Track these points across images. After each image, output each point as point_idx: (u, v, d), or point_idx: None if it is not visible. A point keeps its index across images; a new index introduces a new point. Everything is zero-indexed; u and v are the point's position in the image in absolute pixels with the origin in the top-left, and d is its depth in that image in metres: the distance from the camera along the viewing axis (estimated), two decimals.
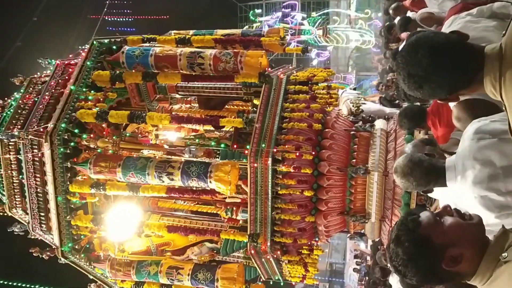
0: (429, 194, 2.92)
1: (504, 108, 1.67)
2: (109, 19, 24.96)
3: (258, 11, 22.68)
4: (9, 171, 6.35)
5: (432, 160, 2.69)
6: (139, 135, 7.19)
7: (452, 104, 3.18)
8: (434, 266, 1.73)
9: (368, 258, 14.05)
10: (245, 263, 6.54)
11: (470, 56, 1.71)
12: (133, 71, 6.07)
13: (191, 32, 7.01)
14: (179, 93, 7.02)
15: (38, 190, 6.04)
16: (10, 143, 6.18)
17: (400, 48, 6.73)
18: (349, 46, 22.84)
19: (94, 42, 6.46)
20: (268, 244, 5.67)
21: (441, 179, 2.60)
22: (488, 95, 1.72)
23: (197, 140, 6.57)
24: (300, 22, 21.63)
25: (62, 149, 5.69)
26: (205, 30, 7.04)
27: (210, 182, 5.45)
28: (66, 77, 6.41)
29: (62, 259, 6.15)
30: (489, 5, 3.68)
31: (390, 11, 8.24)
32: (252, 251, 5.78)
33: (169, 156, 6.20)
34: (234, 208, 6.14)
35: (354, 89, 10.04)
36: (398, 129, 6.15)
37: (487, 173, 2.31)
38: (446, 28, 3.64)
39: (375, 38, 20.70)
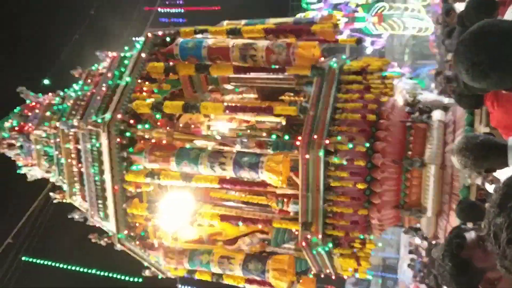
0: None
1: None
2: (162, 10, 25.49)
3: None
4: (69, 160, 6.64)
5: (490, 137, 2.57)
6: (192, 126, 7.28)
7: None
8: (472, 285, 1.93)
9: (423, 253, 13.64)
10: (296, 255, 6.50)
11: None
12: (186, 62, 6.14)
13: (243, 22, 6.98)
14: (231, 83, 7.04)
15: (96, 178, 6.27)
16: (70, 133, 6.45)
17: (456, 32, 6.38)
18: (405, 34, 22.05)
19: (149, 34, 6.58)
20: (320, 236, 5.60)
21: (502, 158, 2.47)
22: None
23: (248, 131, 6.58)
24: (354, 9, 21.12)
25: (118, 139, 5.86)
26: (258, 19, 6.99)
27: (262, 172, 5.44)
28: (122, 69, 6.58)
29: (119, 245, 6.37)
30: None
31: None
32: (304, 243, 5.73)
33: (221, 147, 6.25)
34: (285, 200, 6.10)
35: (411, 78, 9.68)
36: (458, 120, 5.87)
37: None
38: (508, 15, 3.39)
39: (433, 25, 19.84)
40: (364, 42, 19.97)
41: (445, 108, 6.69)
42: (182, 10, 26.35)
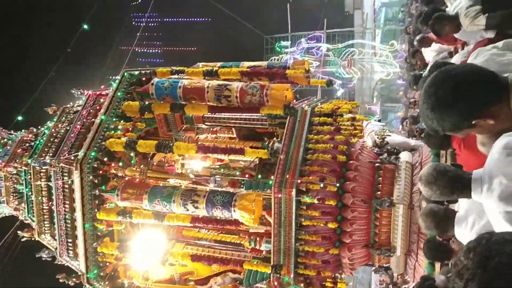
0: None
1: None
2: (139, 50, 25.79)
3: (284, 43, 23.06)
4: (39, 197, 6.55)
5: (457, 170, 2.69)
6: (166, 164, 7.33)
7: None
8: None
9: None
10: None
11: (494, 84, 1.74)
12: (162, 102, 6.25)
13: (219, 64, 7.20)
14: (205, 123, 7.17)
15: (67, 216, 6.19)
16: (41, 170, 6.39)
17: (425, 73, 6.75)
18: (374, 78, 22.90)
19: (125, 73, 6.69)
20: (292, 275, 5.63)
21: (466, 190, 2.58)
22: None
23: (222, 170, 6.66)
24: (325, 53, 21.89)
25: (91, 177, 5.84)
26: (232, 62, 7.22)
27: (234, 211, 5.49)
28: (97, 107, 6.64)
29: (88, 285, 6.22)
30: None
31: (415, 43, 8.30)
32: (275, 283, 5.74)
33: (195, 186, 6.29)
34: (258, 239, 6.14)
35: (379, 120, 10.03)
36: (424, 161, 6.11)
37: None
38: (471, 60, 3.66)
39: (400, 70, 20.71)
40: (335, 84, 20.58)
41: (412, 149, 6.96)
42: (160, 50, 26.71)
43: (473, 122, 1.78)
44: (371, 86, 24.02)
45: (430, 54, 7.79)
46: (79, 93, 7.19)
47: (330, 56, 21.83)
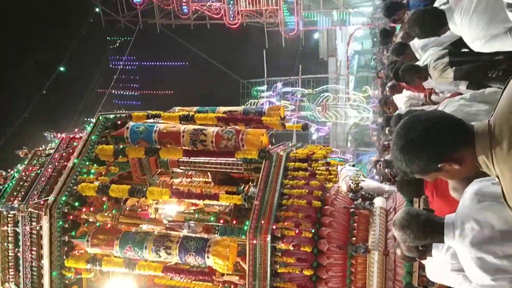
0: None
1: (497, 180, 1.74)
2: (116, 92, 25.79)
3: (260, 87, 23.46)
4: (5, 244, 6.28)
5: (429, 214, 2.72)
6: (139, 209, 7.18)
7: None
8: None
9: None
10: None
11: (461, 131, 1.81)
12: (137, 146, 6.21)
13: (195, 108, 7.25)
14: (180, 167, 7.12)
15: (33, 264, 5.94)
16: (9, 215, 6.17)
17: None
18: (347, 122, 23.37)
19: (100, 117, 6.66)
20: None
21: (439, 235, 2.61)
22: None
23: (196, 215, 6.56)
24: (300, 98, 22.34)
25: (61, 223, 5.67)
26: (208, 107, 7.28)
27: (208, 257, 5.38)
28: (70, 151, 6.54)
29: None
30: (481, 90, 3.85)
31: (387, 89, 8.55)
32: None
33: (168, 231, 6.17)
34: (232, 286, 6.00)
35: (353, 165, 10.15)
36: (398, 207, 6.16)
37: (485, 236, 2.32)
38: (399, 100, 3.79)
39: (373, 115, 21.22)
40: (310, 128, 20.90)
41: (386, 195, 7.02)
42: (137, 93, 26.78)
43: (439, 166, 1.82)
44: (345, 130, 24.46)
45: (401, 100, 8.01)
46: (52, 136, 7.09)
47: (305, 101, 22.27)
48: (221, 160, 6.60)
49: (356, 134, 25.61)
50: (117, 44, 26.35)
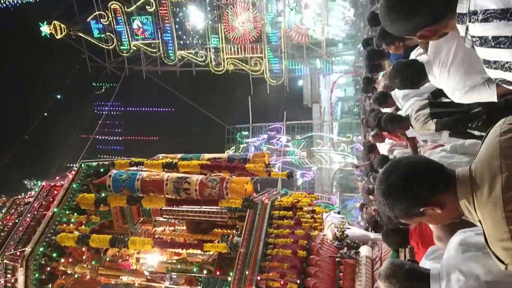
0: None
1: (480, 225, 1.74)
2: (100, 138, 25.67)
3: (245, 133, 23.60)
4: None
5: (414, 265, 2.68)
6: (120, 259, 6.98)
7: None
8: None
9: None
10: None
11: (441, 175, 1.83)
12: (119, 194, 6.10)
13: (179, 156, 7.21)
14: (163, 216, 6.99)
15: None
16: None
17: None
18: (332, 168, 23.49)
19: (82, 164, 6.57)
20: None
21: (425, 285, 2.56)
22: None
23: (179, 266, 6.38)
24: (285, 144, 22.49)
25: (37, 275, 5.46)
26: (193, 154, 7.25)
27: None
28: (50, 199, 6.40)
29: None
30: (461, 142, 3.89)
31: (370, 138, 8.65)
32: None
33: (149, 283, 5.97)
34: None
35: (338, 212, 10.09)
36: (384, 256, 6.08)
37: (471, 286, 2.28)
38: (382, 148, 3.81)
39: (357, 161, 21.38)
40: (295, 176, 20.93)
41: (372, 244, 6.94)
42: (121, 138, 26.69)
43: (421, 210, 1.82)
44: (330, 176, 24.53)
45: (384, 147, 8.10)
46: (32, 184, 6.95)
47: (290, 146, 22.42)
48: (204, 208, 6.50)
49: (341, 179, 25.67)
50: (103, 90, 26.50)
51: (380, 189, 1.88)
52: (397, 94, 5.33)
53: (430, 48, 3.06)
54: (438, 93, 4.40)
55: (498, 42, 1.56)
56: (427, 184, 1.81)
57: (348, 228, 7.65)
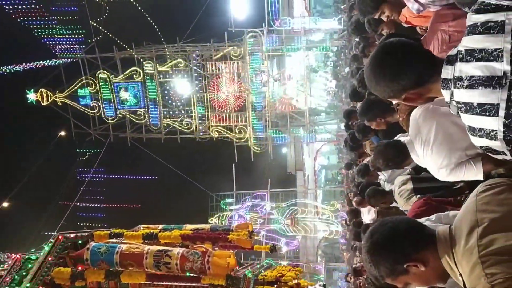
0: None
1: (461, 279, 1.74)
2: (81, 205, 25.15)
3: (229, 200, 23.41)
4: None
5: None
6: None
7: None
8: None
9: None
10: None
11: (422, 232, 1.87)
12: (96, 268, 5.88)
13: (160, 226, 7.08)
14: None
15: None
16: None
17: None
18: (317, 236, 23.18)
19: (59, 236, 6.37)
20: None
21: None
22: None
23: None
24: (269, 211, 22.28)
25: None
26: (175, 225, 7.12)
27: None
28: (24, 273, 6.11)
29: None
30: (446, 212, 3.87)
31: (354, 203, 8.63)
32: None
33: None
34: None
35: (324, 285, 9.84)
36: None
37: None
38: (366, 216, 3.78)
39: (342, 229, 21.17)
40: (279, 248, 20.63)
41: None
42: (103, 206, 26.19)
43: (405, 267, 1.82)
44: (314, 244, 24.14)
45: (368, 217, 8.06)
46: (5, 256, 6.66)
47: (274, 214, 22.20)
48: (185, 283, 6.27)
49: (326, 248, 25.27)
50: (86, 157, 26.34)
51: (365, 247, 1.90)
52: None
53: (411, 129, 3.13)
54: (419, 168, 4.48)
55: (483, 109, 1.55)
56: (409, 240, 1.83)
57: None
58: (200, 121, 23.21)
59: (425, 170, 4.19)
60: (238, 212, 22.75)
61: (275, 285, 6.14)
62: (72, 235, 6.47)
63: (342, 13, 20.27)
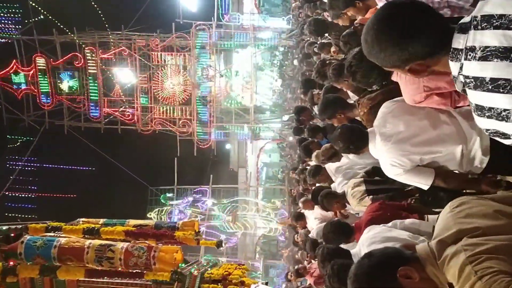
0: None
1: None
2: (11, 194, 23.70)
3: (169, 195, 22.98)
4: None
5: None
6: None
7: None
8: None
9: None
10: None
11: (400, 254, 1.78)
12: (31, 263, 5.50)
13: (101, 221, 6.78)
14: (80, 287, 6.36)
15: None
16: None
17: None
18: (256, 233, 23.32)
19: None
20: None
21: None
22: None
23: None
24: (210, 207, 22.12)
25: None
26: (117, 219, 6.85)
27: None
28: None
29: None
30: (401, 220, 3.93)
31: (300, 204, 8.70)
32: None
33: None
34: None
35: (266, 283, 9.87)
36: None
37: None
38: (364, 234, 3.77)
39: (281, 227, 21.43)
40: (226, 244, 20.58)
41: None
42: (35, 196, 24.82)
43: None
44: (253, 241, 24.27)
45: (313, 222, 8.15)
46: None
47: (215, 210, 22.07)
48: (127, 280, 6.03)
49: (264, 245, 25.47)
50: (18, 144, 24.83)
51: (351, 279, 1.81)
52: (331, 167, 5.44)
53: (378, 120, 3.14)
54: (372, 173, 4.56)
55: (496, 85, 1.34)
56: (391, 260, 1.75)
57: None
58: (142, 113, 22.59)
59: (378, 174, 4.28)
60: (178, 207, 22.40)
61: (221, 283, 6.05)
62: (4, 227, 6.02)
63: (290, 12, 20.46)
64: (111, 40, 22.10)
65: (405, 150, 3.03)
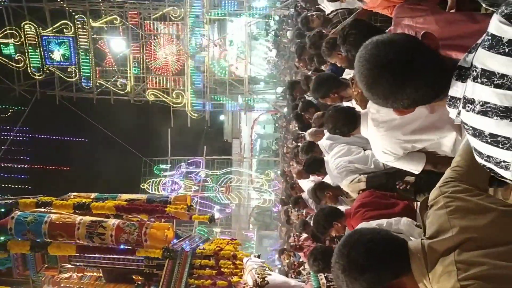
0: None
1: None
2: (2, 164, 23.59)
3: (163, 166, 22.95)
4: None
5: None
6: None
7: None
8: None
9: None
10: None
11: (404, 256, 1.72)
12: (21, 239, 5.47)
13: (93, 195, 6.72)
14: (71, 262, 6.37)
15: None
16: None
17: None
18: (250, 205, 23.48)
19: None
20: None
21: None
22: None
23: None
24: (204, 179, 22.15)
25: None
26: (108, 194, 6.79)
27: None
28: None
29: None
30: (397, 218, 3.88)
31: (294, 175, 8.69)
32: None
33: None
34: None
35: (258, 256, 9.94)
36: None
37: None
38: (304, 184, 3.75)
39: (275, 198, 21.57)
40: (219, 218, 20.72)
41: None
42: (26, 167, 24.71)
43: None
44: (247, 212, 24.45)
45: (307, 184, 8.11)
46: None
47: (208, 181, 22.10)
48: (119, 256, 6.02)
49: (258, 216, 25.70)
50: (9, 114, 24.52)
51: (339, 264, 1.73)
52: (324, 144, 5.37)
53: (372, 104, 3.06)
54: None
55: (495, 140, 1.33)
56: (392, 267, 1.70)
57: (269, 274, 7.50)
58: (135, 83, 22.29)
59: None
60: (172, 178, 22.41)
61: (213, 258, 6.06)
62: None
63: None
64: (102, 8, 21.57)
65: (398, 138, 2.96)
